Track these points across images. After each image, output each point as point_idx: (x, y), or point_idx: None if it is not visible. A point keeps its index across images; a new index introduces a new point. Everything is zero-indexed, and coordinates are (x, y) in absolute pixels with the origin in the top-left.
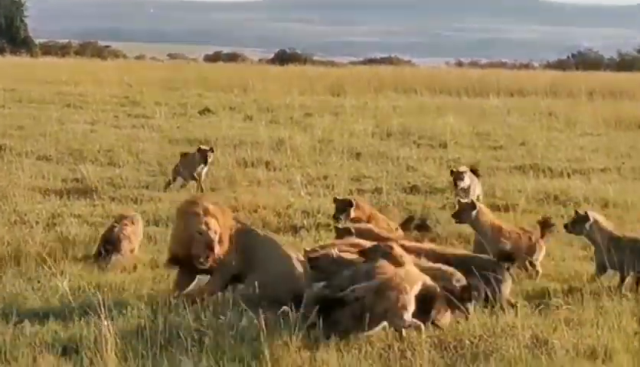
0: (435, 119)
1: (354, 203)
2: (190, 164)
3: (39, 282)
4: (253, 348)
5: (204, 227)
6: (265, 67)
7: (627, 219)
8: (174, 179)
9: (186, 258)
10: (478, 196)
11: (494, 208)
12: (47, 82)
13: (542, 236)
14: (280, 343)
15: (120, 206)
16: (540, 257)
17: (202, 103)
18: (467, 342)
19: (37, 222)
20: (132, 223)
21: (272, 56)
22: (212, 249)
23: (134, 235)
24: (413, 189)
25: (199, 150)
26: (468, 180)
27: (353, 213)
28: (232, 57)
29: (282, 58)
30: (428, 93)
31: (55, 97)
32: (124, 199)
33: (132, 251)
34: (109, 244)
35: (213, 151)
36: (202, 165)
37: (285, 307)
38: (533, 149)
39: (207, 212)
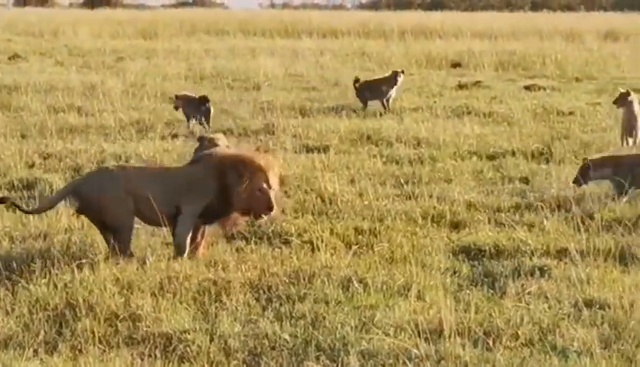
0: (249, 62)
1: None
2: None
3: None
4: (66, 295)
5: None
6: (75, 11)
7: (439, 157)
8: None
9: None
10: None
11: (308, 149)
12: None
13: None
14: (95, 289)
15: None
16: None
17: (11, 49)
18: (280, 283)
19: None
20: None
21: (82, 0)
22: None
23: None
24: (227, 132)
25: None
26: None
27: None
28: (41, 2)
29: (93, 2)
30: (241, 35)
31: None
32: None
33: None
34: None
35: None
36: None
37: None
38: (346, 90)
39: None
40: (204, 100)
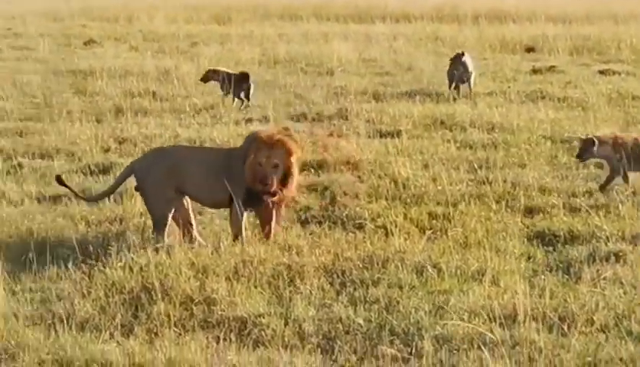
0: (322, 46)
1: None
2: None
3: None
4: (142, 278)
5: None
6: None
7: (513, 142)
8: None
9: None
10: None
11: (382, 134)
12: None
13: None
14: (170, 273)
15: (4, 139)
16: None
17: (86, 34)
18: (354, 268)
19: None
20: None
21: None
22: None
23: None
24: (301, 117)
25: None
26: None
27: None
28: None
29: None
30: (314, 20)
31: None
32: (9, 133)
33: None
34: None
35: None
36: None
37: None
38: (420, 74)
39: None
40: (245, 77)
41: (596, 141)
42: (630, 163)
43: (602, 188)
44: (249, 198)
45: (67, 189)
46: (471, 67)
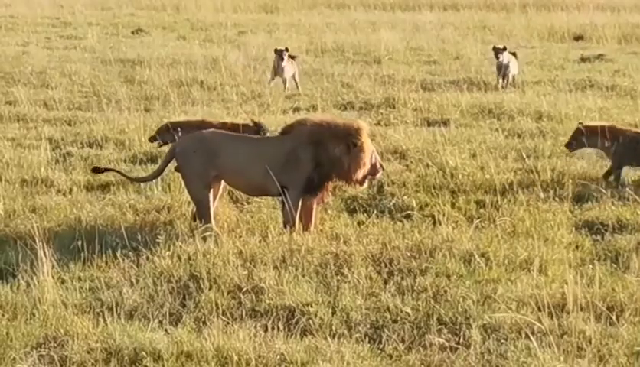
0: (369, 35)
1: None
2: None
3: None
4: (190, 267)
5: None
6: None
7: (561, 132)
8: None
9: None
10: (513, 76)
11: (429, 123)
12: None
13: None
14: (218, 262)
15: (53, 128)
16: None
17: (134, 23)
18: (402, 257)
19: None
20: None
21: None
22: None
23: None
24: (348, 106)
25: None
26: (506, 57)
27: None
28: None
29: None
30: (362, 9)
31: None
32: (57, 122)
33: None
34: None
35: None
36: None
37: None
38: (468, 63)
39: None
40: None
41: (585, 131)
42: (624, 156)
43: (605, 178)
44: (312, 185)
45: (116, 174)
46: (511, 65)
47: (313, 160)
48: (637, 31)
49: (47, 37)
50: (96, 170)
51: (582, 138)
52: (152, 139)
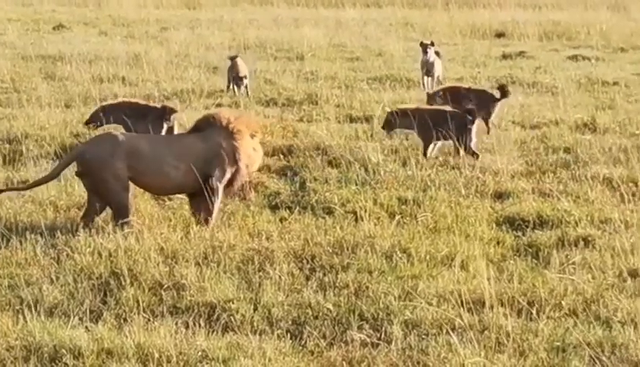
0: (292, 32)
1: None
2: None
3: None
4: (111, 264)
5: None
6: None
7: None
8: None
9: None
10: (438, 77)
11: (352, 119)
12: None
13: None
14: (139, 259)
15: None
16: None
17: (56, 19)
18: (324, 253)
19: None
20: None
21: None
22: None
23: None
24: (271, 102)
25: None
26: (433, 54)
27: None
28: None
29: None
30: (284, 5)
31: None
32: None
33: None
34: None
35: None
36: None
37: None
38: (390, 60)
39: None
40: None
41: (397, 113)
42: (436, 132)
43: (424, 155)
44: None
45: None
46: (436, 64)
47: (232, 153)
48: (558, 29)
49: None
50: None
51: (395, 120)
52: (88, 122)
